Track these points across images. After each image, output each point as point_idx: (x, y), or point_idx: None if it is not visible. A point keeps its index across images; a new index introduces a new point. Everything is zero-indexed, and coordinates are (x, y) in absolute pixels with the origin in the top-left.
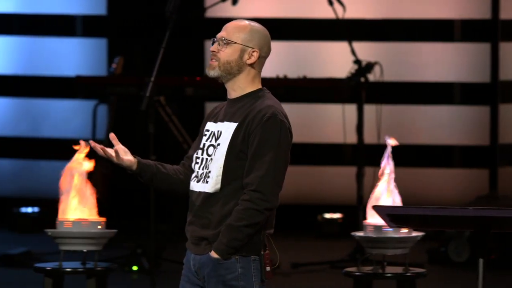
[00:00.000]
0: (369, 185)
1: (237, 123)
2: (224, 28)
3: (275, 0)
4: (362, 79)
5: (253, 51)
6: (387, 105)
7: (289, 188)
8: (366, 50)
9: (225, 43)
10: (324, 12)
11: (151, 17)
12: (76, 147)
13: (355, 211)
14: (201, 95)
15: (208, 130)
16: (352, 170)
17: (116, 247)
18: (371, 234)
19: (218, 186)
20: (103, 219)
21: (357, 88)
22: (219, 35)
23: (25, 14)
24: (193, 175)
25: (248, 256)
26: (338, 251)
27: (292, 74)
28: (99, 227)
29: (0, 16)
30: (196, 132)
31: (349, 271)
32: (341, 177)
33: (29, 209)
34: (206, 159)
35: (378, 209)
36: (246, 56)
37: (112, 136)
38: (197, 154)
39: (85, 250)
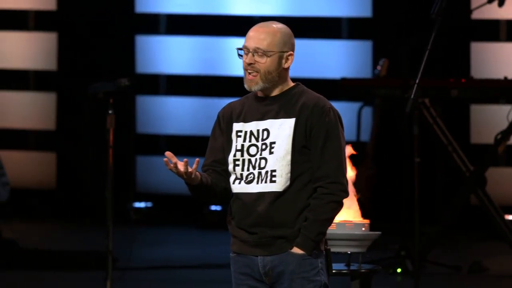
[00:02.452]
0: None
1: (294, 119)
2: (253, 37)
3: None
4: None
5: (289, 55)
6: None
7: None
8: None
9: (262, 54)
10: None
11: (417, 18)
12: None
13: None
14: (467, 97)
15: (240, 131)
16: None
17: (381, 249)
18: None
19: (288, 183)
20: (367, 221)
21: None
22: (250, 45)
23: (292, 17)
24: (233, 177)
25: (321, 250)
26: None
27: None
28: (363, 229)
29: (266, 18)
30: (462, 135)
31: None
32: None
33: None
34: (249, 159)
35: None
36: (283, 62)
37: (169, 154)
38: (235, 156)
39: (349, 252)
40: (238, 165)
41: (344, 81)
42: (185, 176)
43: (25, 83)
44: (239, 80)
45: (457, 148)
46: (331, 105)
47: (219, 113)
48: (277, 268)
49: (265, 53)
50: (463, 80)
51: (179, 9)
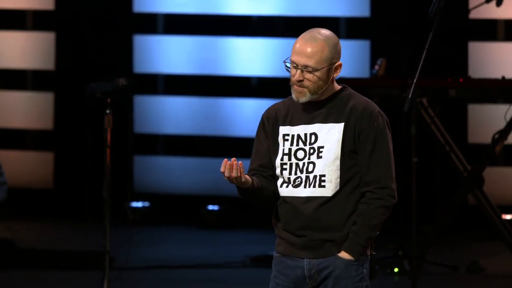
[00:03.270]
0: None
1: (343, 123)
2: (300, 52)
3: None
4: None
5: (338, 65)
6: None
7: None
8: None
9: (311, 71)
10: None
11: (414, 18)
12: None
13: None
14: (464, 97)
15: (287, 135)
16: None
17: (378, 249)
18: None
19: (338, 188)
20: None
21: None
22: (299, 62)
23: (290, 17)
24: (281, 181)
25: (367, 256)
26: None
27: None
28: None
29: (264, 18)
30: (459, 135)
31: None
32: None
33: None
34: (297, 163)
35: None
36: (332, 72)
37: (234, 161)
38: (282, 160)
39: None
40: (285, 169)
41: (342, 81)
42: (235, 181)
43: (23, 82)
44: (237, 80)
45: (454, 147)
46: (379, 109)
47: (263, 115)
48: (323, 272)
49: (314, 70)
50: (461, 80)
51: (177, 9)
